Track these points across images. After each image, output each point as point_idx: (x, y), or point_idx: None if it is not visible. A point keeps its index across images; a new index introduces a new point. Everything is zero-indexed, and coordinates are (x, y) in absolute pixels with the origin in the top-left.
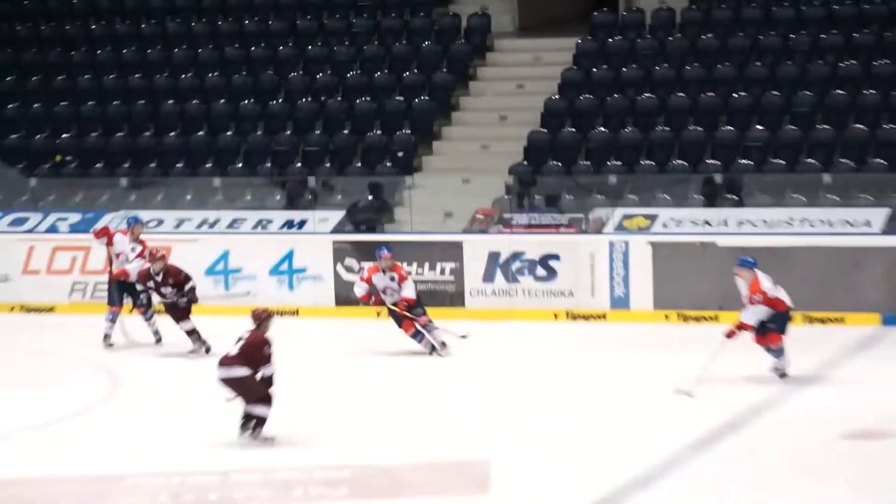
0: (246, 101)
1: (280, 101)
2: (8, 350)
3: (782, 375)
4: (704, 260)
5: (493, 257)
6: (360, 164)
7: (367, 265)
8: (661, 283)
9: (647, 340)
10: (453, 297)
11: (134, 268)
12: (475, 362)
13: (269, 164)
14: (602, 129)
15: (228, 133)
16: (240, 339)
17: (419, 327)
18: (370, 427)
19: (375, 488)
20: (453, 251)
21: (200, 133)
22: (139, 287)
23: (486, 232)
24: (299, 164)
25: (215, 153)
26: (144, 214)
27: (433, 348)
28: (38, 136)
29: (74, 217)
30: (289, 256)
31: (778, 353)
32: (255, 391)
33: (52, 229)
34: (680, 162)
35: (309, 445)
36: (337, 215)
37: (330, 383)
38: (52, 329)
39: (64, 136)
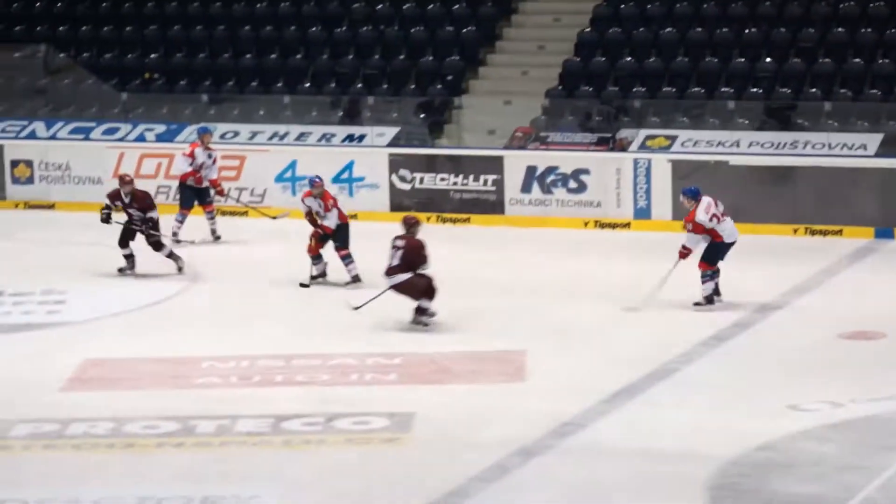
0: (314, 28)
1: (344, 28)
2: (100, 245)
3: (696, 304)
4: (718, 176)
5: (531, 171)
6: (413, 87)
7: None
8: (679, 196)
9: (666, 247)
10: (494, 206)
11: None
12: (512, 265)
13: (333, 85)
14: (629, 59)
15: (298, 56)
16: (396, 247)
17: (320, 252)
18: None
19: (422, 375)
20: (495, 165)
21: (273, 56)
22: (106, 202)
23: (525, 148)
24: (360, 86)
25: (286, 74)
26: (222, 127)
27: (324, 274)
28: (130, 55)
29: (160, 128)
30: (349, 167)
31: (702, 278)
32: (418, 288)
33: (140, 139)
34: (697, 90)
35: (363, 336)
36: (392, 131)
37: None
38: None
39: (152, 56)
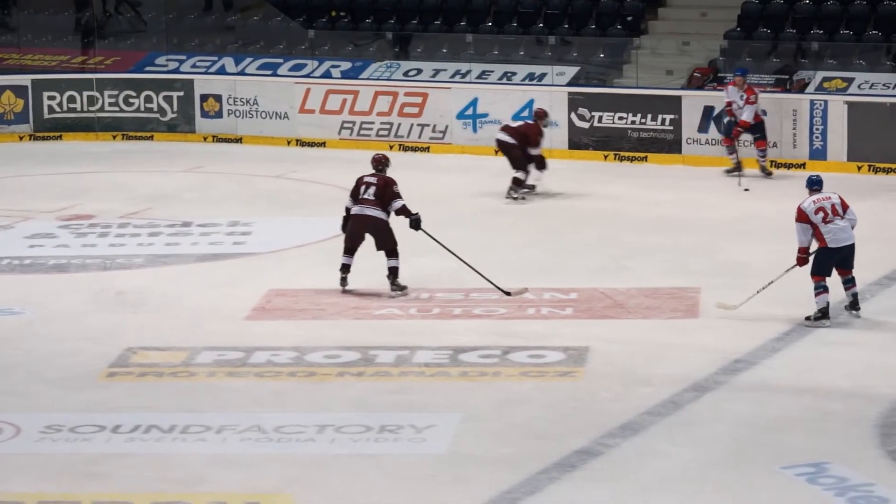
0: None
1: None
2: (286, 179)
3: (807, 318)
4: (894, 119)
5: (708, 111)
6: (594, 27)
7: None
8: (854, 138)
9: (841, 187)
10: (671, 145)
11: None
12: (687, 204)
13: (514, 24)
14: (807, 1)
15: None
16: (367, 184)
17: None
18: (594, 257)
19: (596, 310)
20: (673, 104)
21: None
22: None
23: (702, 88)
24: (541, 25)
25: (469, 12)
26: (405, 65)
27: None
28: None
29: (345, 65)
30: (528, 105)
31: (815, 290)
32: (390, 239)
33: (326, 75)
34: (875, 32)
35: (540, 271)
36: (572, 70)
37: (559, 218)
38: (323, 161)
39: None
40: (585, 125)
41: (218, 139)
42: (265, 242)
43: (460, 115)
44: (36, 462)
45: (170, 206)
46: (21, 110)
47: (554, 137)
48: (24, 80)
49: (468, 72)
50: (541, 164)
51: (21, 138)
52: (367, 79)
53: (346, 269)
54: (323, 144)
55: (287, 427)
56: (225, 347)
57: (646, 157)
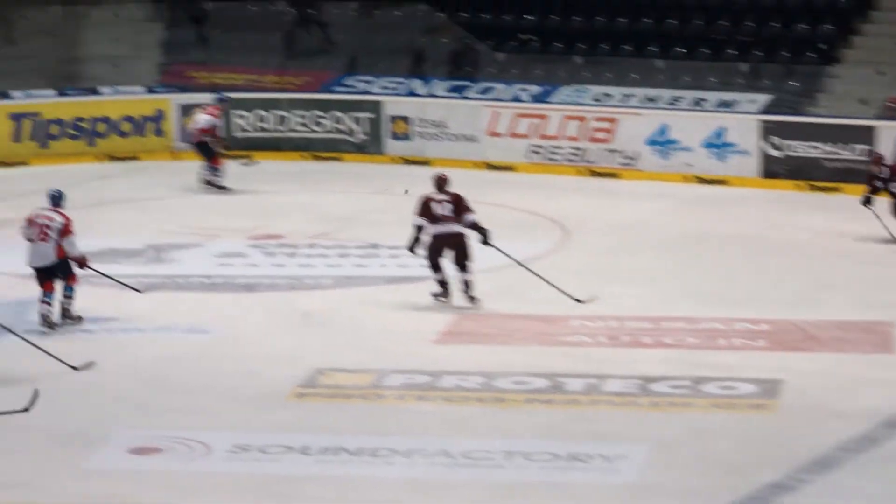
0: None
1: None
2: (474, 202)
3: None
4: None
5: None
6: (787, 54)
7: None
8: None
9: None
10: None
11: None
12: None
13: (706, 50)
14: None
15: (671, 20)
16: (440, 201)
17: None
18: (786, 288)
19: (789, 342)
20: (867, 134)
21: (647, 20)
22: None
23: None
24: (733, 51)
25: (660, 37)
26: (595, 90)
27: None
28: (506, 16)
29: (534, 88)
30: (720, 132)
31: None
32: (468, 251)
33: (515, 98)
34: None
35: (730, 301)
36: (764, 98)
37: (751, 247)
38: (511, 185)
39: (527, 17)
40: (778, 154)
41: (407, 161)
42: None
43: (650, 142)
44: (224, 481)
45: (358, 228)
46: None
47: (745, 166)
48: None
49: (658, 97)
50: None
51: None
52: (557, 103)
53: (445, 284)
54: (511, 168)
55: (475, 453)
56: (413, 371)
57: (839, 188)
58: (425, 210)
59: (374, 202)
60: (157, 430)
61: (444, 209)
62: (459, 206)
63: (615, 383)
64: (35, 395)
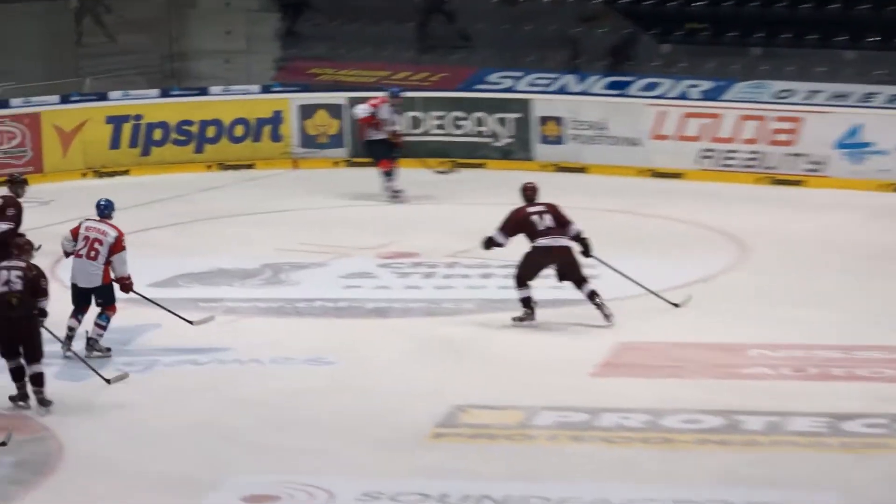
0: None
1: None
2: (636, 214)
3: None
4: None
5: None
6: None
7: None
8: None
9: None
10: None
11: None
12: None
13: None
14: None
15: (863, 5)
16: (539, 213)
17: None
18: None
19: None
20: None
21: (834, 4)
22: None
23: None
24: None
25: (849, 25)
26: (776, 85)
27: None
28: (672, 2)
29: (706, 84)
30: None
31: None
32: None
33: (683, 95)
34: None
35: None
36: None
37: None
38: (679, 194)
39: (697, 3)
40: None
41: (560, 168)
42: (613, 287)
43: (840, 144)
44: None
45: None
46: (336, 132)
47: None
48: (340, 97)
49: (849, 94)
50: None
51: (336, 164)
52: (731, 100)
53: (530, 302)
54: (679, 175)
55: (638, 500)
56: (568, 407)
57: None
58: (524, 224)
59: None
60: (275, 475)
61: (545, 220)
62: (560, 217)
63: (801, 421)
64: (9, 435)
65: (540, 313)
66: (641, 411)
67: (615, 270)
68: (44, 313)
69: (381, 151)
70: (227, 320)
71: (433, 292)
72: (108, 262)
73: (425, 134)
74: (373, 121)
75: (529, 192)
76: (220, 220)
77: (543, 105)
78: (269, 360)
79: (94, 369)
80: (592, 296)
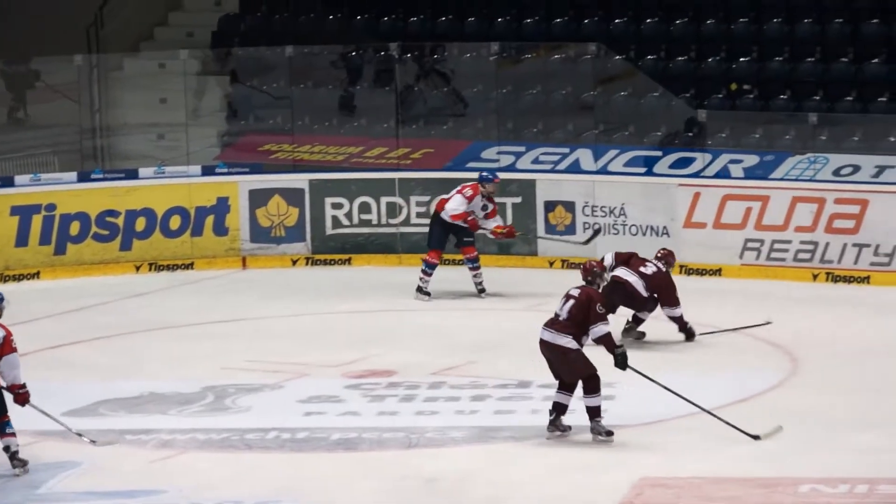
0: None
1: None
2: (663, 319)
3: None
4: None
5: None
6: None
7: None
8: None
9: None
10: None
11: None
12: None
13: None
14: None
15: None
16: (568, 297)
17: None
18: None
19: None
20: None
21: None
22: None
23: None
24: None
25: None
26: (836, 158)
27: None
28: (711, 58)
29: (750, 159)
30: None
31: None
32: (574, 369)
33: (723, 173)
34: None
35: None
36: None
37: None
38: (717, 296)
39: (742, 59)
40: None
41: (570, 264)
42: (633, 409)
43: None
44: None
45: (500, 359)
46: (295, 223)
47: None
48: (300, 180)
49: None
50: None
51: (295, 262)
52: (782, 179)
53: (557, 408)
54: (718, 272)
55: None
56: None
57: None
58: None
59: (523, 323)
60: None
61: (563, 308)
62: (586, 310)
63: None
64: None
65: (547, 443)
66: None
67: (668, 390)
68: None
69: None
70: (160, 457)
71: (413, 419)
72: None
73: (405, 223)
74: (467, 217)
75: (583, 273)
76: (151, 333)
77: (550, 186)
78: None
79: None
80: (591, 412)
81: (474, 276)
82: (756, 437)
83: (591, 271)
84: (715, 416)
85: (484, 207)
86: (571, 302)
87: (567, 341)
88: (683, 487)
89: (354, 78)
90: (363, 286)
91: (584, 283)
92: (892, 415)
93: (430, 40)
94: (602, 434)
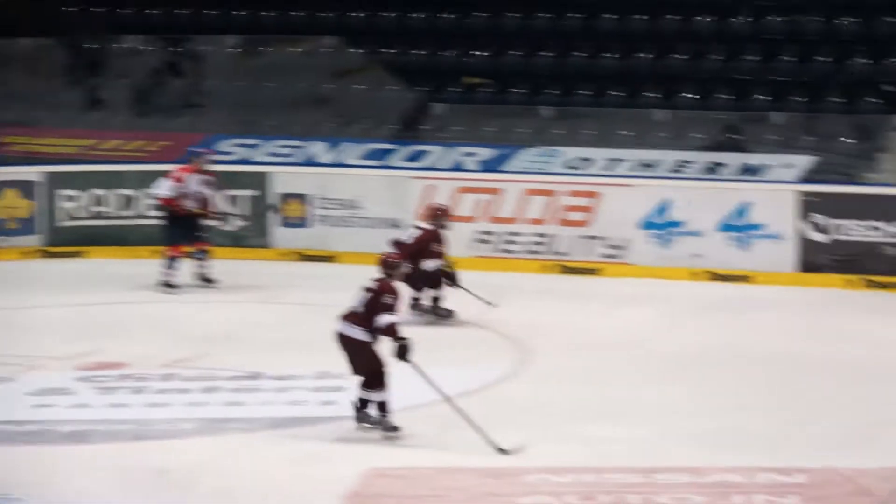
0: (700, 17)
1: (744, 18)
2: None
3: None
4: None
5: None
6: (838, 100)
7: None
8: None
9: None
10: None
11: None
12: None
13: (725, 95)
14: None
15: (677, 55)
16: (366, 290)
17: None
18: (831, 423)
19: (833, 498)
20: None
21: (643, 54)
22: None
23: None
24: (762, 96)
25: (660, 79)
26: (570, 151)
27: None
28: (448, 52)
29: (484, 152)
30: (742, 210)
31: None
32: (366, 364)
33: (457, 166)
34: None
35: (753, 444)
36: (805, 160)
37: (784, 368)
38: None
39: (477, 53)
40: (823, 239)
41: (303, 256)
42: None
43: (646, 224)
44: None
45: (233, 352)
46: (28, 216)
47: (778, 255)
48: (34, 173)
49: (658, 162)
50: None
51: (26, 254)
52: (515, 172)
53: (361, 402)
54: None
55: None
56: None
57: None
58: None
59: (256, 315)
60: None
61: (357, 300)
62: (375, 302)
63: None
64: None
65: (276, 435)
66: None
67: (434, 386)
68: None
69: (178, 234)
70: None
71: (144, 411)
72: None
73: (139, 217)
74: (180, 201)
75: (381, 264)
76: None
77: (285, 180)
78: None
79: None
80: (378, 407)
81: (202, 266)
82: (504, 452)
83: (389, 263)
84: (470, 421)
85: (208, 184)
86: (366, 294)
87: (359, 333)
88: (414, 478)
89: (93, 70)
90: (96, 278)
91: (382, 276)
92: (619, 405)
93: (170, 32)
94: (391, 430)
